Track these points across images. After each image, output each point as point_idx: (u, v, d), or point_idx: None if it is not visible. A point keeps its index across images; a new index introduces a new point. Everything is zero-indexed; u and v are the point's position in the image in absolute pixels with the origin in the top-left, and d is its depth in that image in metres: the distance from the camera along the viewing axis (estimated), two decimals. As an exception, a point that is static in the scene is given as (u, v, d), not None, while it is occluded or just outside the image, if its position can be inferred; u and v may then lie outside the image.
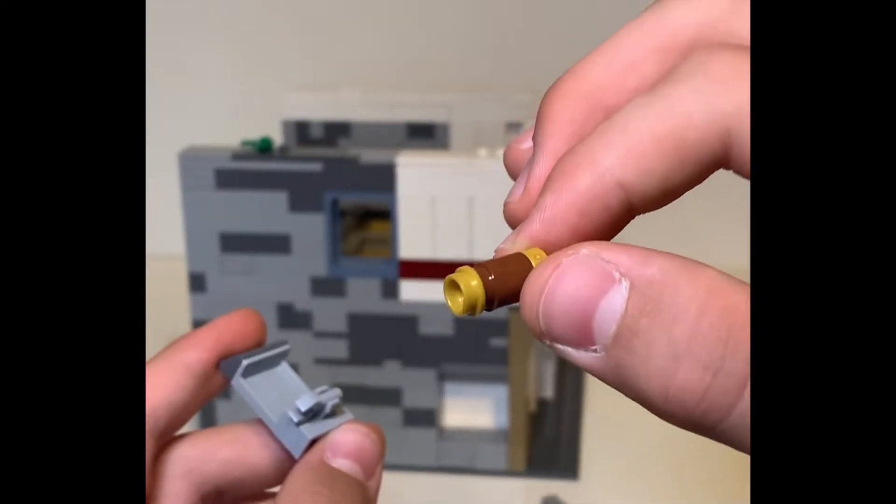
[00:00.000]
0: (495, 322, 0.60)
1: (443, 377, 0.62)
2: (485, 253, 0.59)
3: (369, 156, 0.59)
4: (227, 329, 0.31)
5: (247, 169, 0.59)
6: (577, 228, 0.22)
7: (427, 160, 0.58)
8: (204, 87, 0.95)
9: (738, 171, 0.22)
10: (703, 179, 0.22)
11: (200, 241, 0.61)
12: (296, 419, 0.29)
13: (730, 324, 0.19)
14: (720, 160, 0.21)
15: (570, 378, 0.73)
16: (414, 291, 0.60)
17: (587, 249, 0.20)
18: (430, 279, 0.60)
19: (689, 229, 0.82)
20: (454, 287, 0.21)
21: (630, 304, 0.20)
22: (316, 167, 0.59)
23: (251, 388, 0.30)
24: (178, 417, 0.30)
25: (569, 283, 0.20)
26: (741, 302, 0.19)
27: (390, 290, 0.60)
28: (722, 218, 0.82)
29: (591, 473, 0.62)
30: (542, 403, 0.69)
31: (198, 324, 0.62)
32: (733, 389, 0.19)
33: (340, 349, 0.62)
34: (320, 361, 0.62)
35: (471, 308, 0.21)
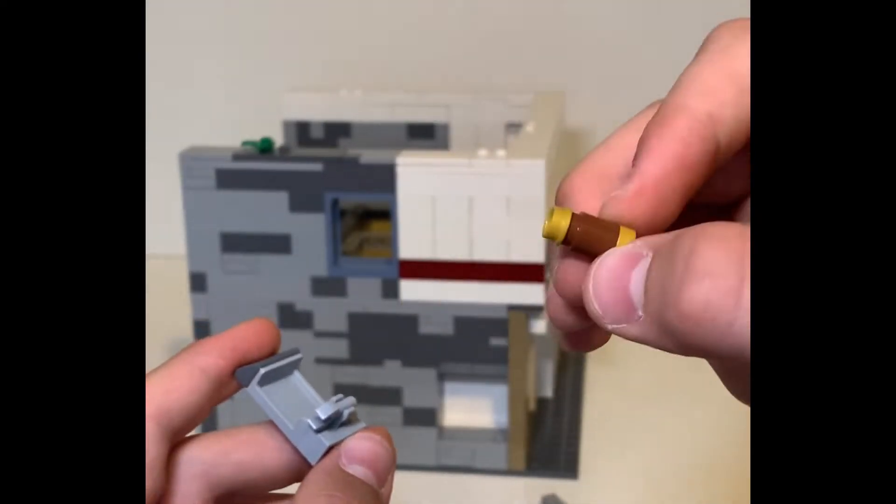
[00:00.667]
0: (495, 322, 0.60)
1: (443, 377, 0.62)
2: (486, 253, 0.59)
3: (369, 156, 0.59)
4: (244, 337, 0.31)
5: (247, 169, 0.59)
6: (682, 158, 0.24)
7: (427, 160, 0.59)
8: (205, 87, 0.95)
9: None
10: None
11: (201, 240, 0.61)
12: (315, 426, 0.30)
13: (727, 246, 0.21)
14: None
15: (569, 378, 0.73)
16: (414, 291, 0.60)
17: (631, 245, 0.24)
18: (430, 279, 0.60)
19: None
20: (552, 214, 0.25)
21: (653, 267, 0.23)
22: (316, 167, 0.59)
23: (268, 397, 0.31)
24: (191, 419, 0.30)
25: (606, 264, 0.24)
26: (734, 234, 0.22)
27: (390, 290, 0.60)
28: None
29: (591, 473, 0.62)
30: (541, 403, 0.70)
31: (198, 323, 0.62)
32: (733, 292, 0.21)
33: (341, 349, 0.62)
34: (320, 361, 0.62)
35: (549, 237, 0.25)
